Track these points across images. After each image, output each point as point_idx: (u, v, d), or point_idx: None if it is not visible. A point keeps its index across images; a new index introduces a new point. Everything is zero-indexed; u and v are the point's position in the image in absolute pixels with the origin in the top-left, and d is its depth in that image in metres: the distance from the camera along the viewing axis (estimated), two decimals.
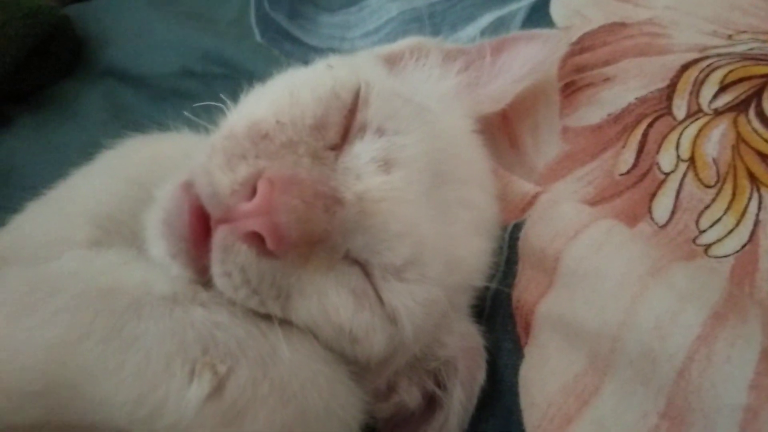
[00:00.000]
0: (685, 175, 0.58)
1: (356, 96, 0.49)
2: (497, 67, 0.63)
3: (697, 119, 0.61)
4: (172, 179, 0.50)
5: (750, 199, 0.53)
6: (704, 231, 0.54)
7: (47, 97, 0.94)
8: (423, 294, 0.48)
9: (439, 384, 0.54)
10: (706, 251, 0.53)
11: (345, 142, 0.47)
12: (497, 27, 0.78)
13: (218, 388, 0.42)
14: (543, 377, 0.51)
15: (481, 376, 0.53)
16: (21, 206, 0.79)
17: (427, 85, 0.58)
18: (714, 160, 0.58)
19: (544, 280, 0.55)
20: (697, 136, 0.60)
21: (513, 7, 0.80)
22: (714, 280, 0.49)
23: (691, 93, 0.63)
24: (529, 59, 0.63)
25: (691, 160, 0.59)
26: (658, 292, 0.48)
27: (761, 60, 0.62)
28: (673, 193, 0.58)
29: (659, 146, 0.61)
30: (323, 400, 0.46)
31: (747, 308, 0.46)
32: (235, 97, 0.87)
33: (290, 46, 0.94)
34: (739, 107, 0.60)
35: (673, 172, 0.59)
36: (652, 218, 0.57)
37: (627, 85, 0.65)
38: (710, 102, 0.62)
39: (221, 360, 0.43)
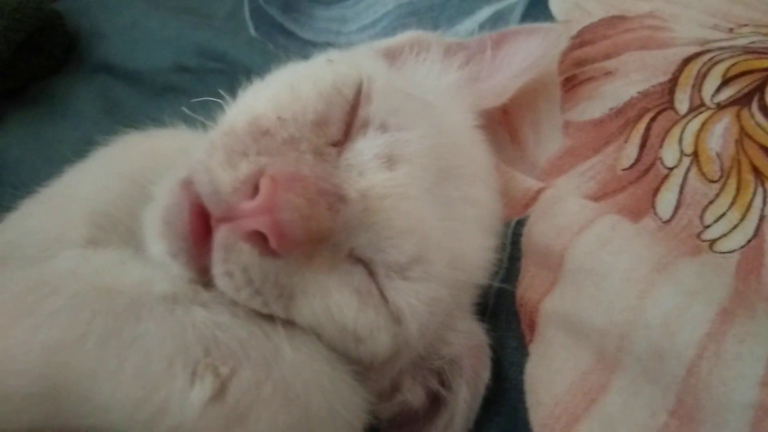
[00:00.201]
0: (688, 169, 0.58)
1: (358, 91, 0.48)
2: (498, 61, 0.62)
3: (699, 113, 0.61)
4: (170, 177, 0.48)
5: (754, 193, 0.53)
6: (709, 226, 0.54)
7: (38, 93, 0.92)
8: (428, 292, 0.47)
9: (443, 383, 0.53)
10: (711, 246, 0.52)
11: (347, 139, 0.47)
12: (496, 21, 0.77)
13: (221, 390, 0.42)
14: (549, 375, 0.51)
15: (485, 375, 0.53)
16: (13, 204, 0.78)
17: (428, 80, 0.57)
18: (717, 154, 0.57)
19: (548, 277, 0.54)
20: (700, 130, 0.60)
21: (511, 0, 0.79)
22: (720, 276, 0.49)
23: (693, 87, 0.63)
24: (529, 53, 0.63)
25: (695, 154, 0.58)
26: (665, 288, 0.48)
27: (763, 53, 0.61)
28: (676, 188, 0.57)
29: (662, 141, 0.60)
30: (327, 400, 0.45)
31: (755, 304, 0.46)
32: (231, 92, 0.87)
33: (285, 40, 0.93)
34: (741, 101, 0.60)
35: (676, 166, 0.58)
36: (655, 213, 0.57)
37: (628, 79, 0.65)
38: (713, 96, 0.61)
39: (223, 361, 0.42)
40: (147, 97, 0.89)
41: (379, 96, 0.48)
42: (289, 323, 0.45)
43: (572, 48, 0.70)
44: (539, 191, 0.59)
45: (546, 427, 0.49)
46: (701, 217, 0.55)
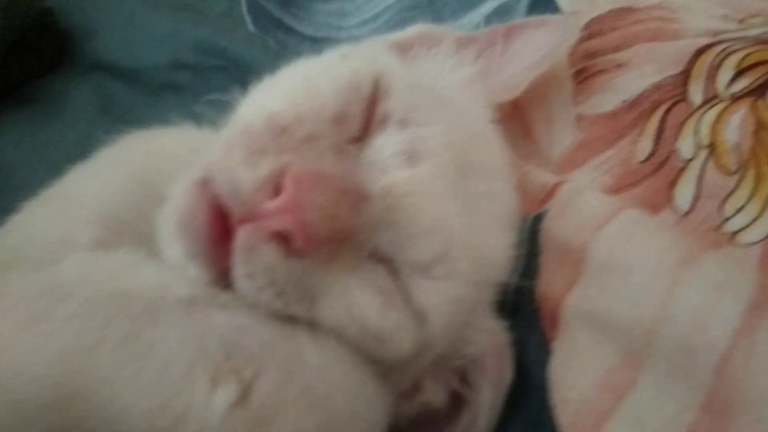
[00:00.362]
0: (705, 161, 0.57)
1: (376, 86, 0.46)
2: (508, 54, 0.61)
3: (714, 105, 0.60)
4: (184, 176, 0.47)
5: None
6: (729, 218, 0.53)
7: (32, 93, 0.90)
8: (451, 291, 0.46)
9: (465, 382, 0.52)
10: (732, 239, 0.52)
11: (367, 135, 0.45)
12: (501, 13, 0.76)
13: (244, 395, 0.40)
14: (574, 373, 0.50)
15: (508, 373, 0.52)
16: (11, 206, 0.76)
17: (441, 74, 0.56)
18: (735, 146, 0.56)
19: (569, 273, 0.53)
20: (716, 121, 0.59)
21: None
22: (743, 269, 0.48)
23: (707, 78, 0.62)
24: (541, 46, 0.62)
25: (712, 146, 0.58)
26: (693, 283, 0.47)
27: None
28: (694, 181, 0.57)
29: (677, 133, 0.60)
30: (351, 402, 0.44)
31: None
32: (231, 88, 0.85)
33: (284, 35, 0.91)
34: (756, 92, 0.59)
35: (693, 159, 0.58)
36: (674, 206, 0.56)
37: (641, 71, 0.64)
38: (727, 87, 0.61)
39: (246, 365, 0.41)
40: (144, 95, 0.87)
41: (398, 91, 0.47)
42: (310, 325, 0.43)
43: (581, 40, 0.69)
44: (556, 186, 0.58)
45: (573, 425, 0.48)
46: (721, 210, 0.54)
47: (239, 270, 0.41)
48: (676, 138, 0.60)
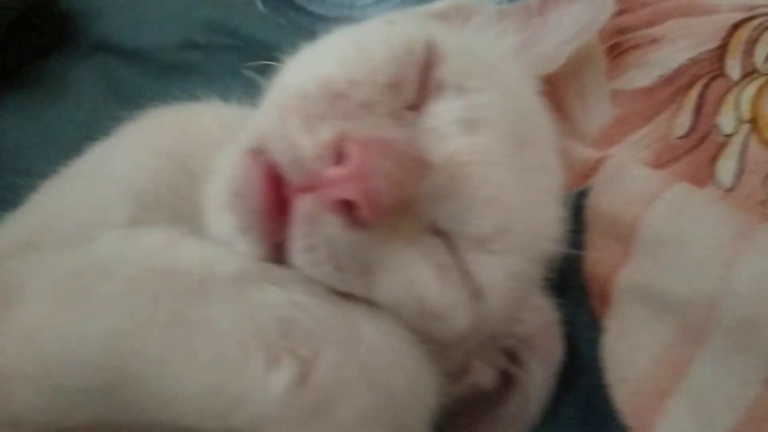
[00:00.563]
0: (747, 136, 0.56)
1: (429, 51, 0.44)
2: (544, 27, 0.60)
3: (753, 79, 0.59)
4: (231, 147, 0.45)
5: None
6: None
7: (32, 74, 0.86)
8: (510, 266, 0.44)
9: (514, 362, 0.50)
10: None
11: (422, 102, 0.43)
12: None
13: (303, 375, 0.38)
14: (630, 351, 0.49)
15: (559, 353, 0.50)
16: (16, 190, 0.73)
17: (485, 45, 0.54)
18: None
19: (619, 249, 0.52)
20: (757, 96, 0.58)
21: None
22: None
23: (744, 53, 0.61)
24: (576, 20, 0.60)
25: (753, 121, 0.57)
26: (752, 255, 0.46)
27: None
28: (736, 156, 0.56)
29: (717, 108, 0.59)
30: (408, 383, 0.42)
31: None
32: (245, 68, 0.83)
33: (295, 15, 0.89)
34: None
35: (734, 134, 0.57)
36: (716, 182, 0.55)
37: (676, 46, 0.63)
38: (765, 61, 0.60)
39: (303, 343, 0.39)
40: (152, 76, 0.84)
41: (451, 56, 0.45)
42: (365, 301, 0.41)
43: (611, 16, 0.67)
44: (600, 161, 0.57)
45: (632, 403, 0.47)
46: (765, 184, 0.53)
47: (297, 243, 0.39)
48: (715, 113, 0.59)
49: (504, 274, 0.44)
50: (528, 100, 0.51)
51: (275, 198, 0.39)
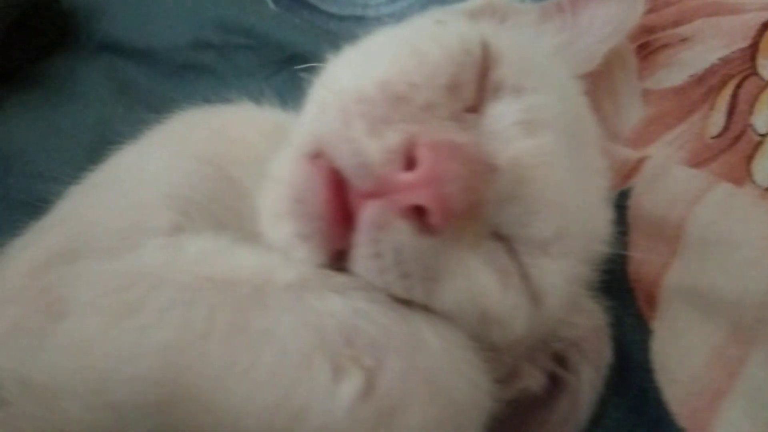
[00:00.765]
0: None
1: (486, 52, 0.43)
2: (579, 27, 0.59)
3: None
4: (283, 151, 0.43)
5: None
6: None
7: (36, 75, 0.84)
8: (569, 270, 0.44)
9: (563, 366, 0.50)
10: None
11: (481, 103, 0.42)
12: None
13: (369, 385, 0.37)
14: (681, 352, 0.48)
15: (608, 355, 0.50)
16: (26, 195, 0.70)
17: (531, 45, 0.53)
18: None
19: (665, 249, 0.52)
20: None
21: None
22: None
23: None
24: (609, 19, 0.60)
25: None
26: None
27: None
28: None
29: (751, 107, 0.59)
30: (469, 390, 0.41)
31: None
32: (261, 68, 0.81)
33: (308, 14, 0.87)
34: None
35: None
36: (753, 181, 0.55)
37: (706, 45, 0.63)
38: None
39: (367, 353, 0.38)
40: (163, 76, 0.82)
41: (506, 57, 0.44)
42: (424, 308, 0.40)
43: None
44: (640, 161, 0.56)
45: (686, 405, 0.46)
46: None
47: (363, 249, 0.38)
48: (750, 112, 0.58)
49: (562, 277, 0.43)
50: (577, 101, 0.51)
51: (340, 203, 0.38)
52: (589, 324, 0.50)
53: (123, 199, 0.47)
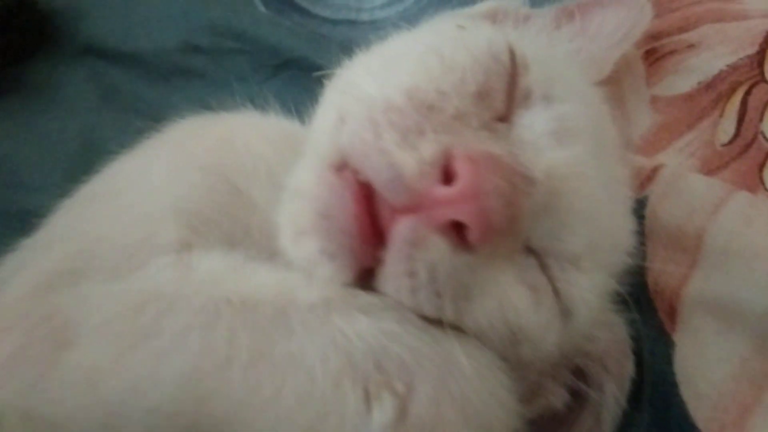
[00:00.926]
0: None
1: (513, 58, 0.42)
2: (588, 33, 0.58)
3: None
4: (303, 163, 0.41)
5: None
6: None
7: (14, 80, 0.80)
8: (599, 283, 0.42)
9: (585, 381, 0.48)
10: None
11: (511, 112, 0.41)
12: None
13: (402, 412, 0.35)
14: (706, 365, 0.47)
15: (630, 369, 0.49)
16: (8, 204, 0.66)
17: (551, 51, 0.52)
18: None
19: (684, 260, 0.51)
20: None
21: None
22: None
23: None
24: (619, 25, 0.59)
25: None
26: None
27: None
28: None
29: (761, 114, 0.58)
30: (501, 412, 0.39)
31: None
32: (255, 72, 0.78)
33: (300, 18, 0.85)
34: None
35: None
36: (767, 189, 0.54)
37: (714, 52, 0.63)
38: None
39: (398, 376, 0.36)
40: (150, 81, 0.79)
41: (533, 64, 0.43)
42: (452, 326, 0.39)
43: None
44: (655, 169, 0.55)
45: (714, 420, 0.46)
46: None
47: (394, 267, 0.36)
48: (760, 120, 0.58)
49: (592, 291, 0.42)
50: (600, 109, 0.50)
51: (368, 219, 0.36)
52: (612, 337, 0.49)
53: (126, 214, 0.45)
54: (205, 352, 0.36)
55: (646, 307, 0.51)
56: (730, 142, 0.58)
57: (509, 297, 0.39)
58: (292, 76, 0.76)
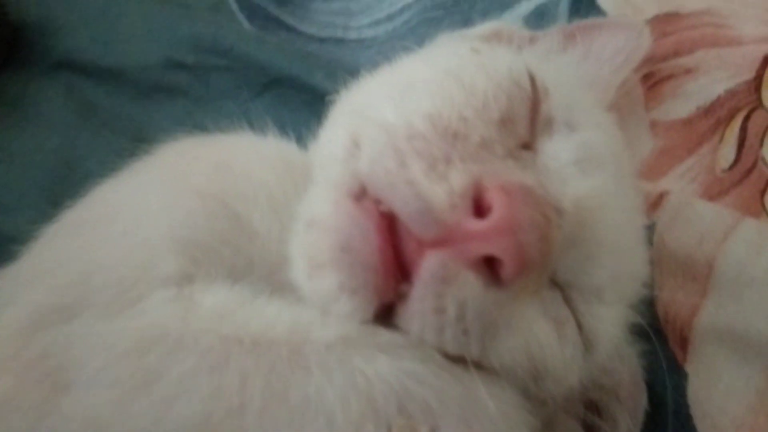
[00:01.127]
0: None
1: (534, 84, 0.40)
2: (591, 56, 0.57)
3: None
4: (316, 190, 0.39)
5: None
6: None
7: None
8: (618, 316, 0.41)
9: (598, 414, 0.47)
10: None
11: (534, 140, 0.39)
12: (539, 15, 0.72)
13: None
14: (721, 396, 0.47)
15: (644, 401, 0.48)
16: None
17: (564, 75, 0.51)
18: None
19: (694, 289, 0.50)
20: None
21: None
22: None
23: None
24: (620, 49, 0.58)
25: None
26: None
27: None
28: None
29: (761, 140, 0.58)
30: None
31: None
32: (240, 91, 0.76)
33: (286, 34, 0.83)
34: None
35: None
36: None
37: (712, 77, 0.63)
38: None
39: (423, 420, 0.34)
40: (130, 98, 0.76)
41: (553, 89, 0.41)
42: (476, 364, 0.37)
43: None
44: (661, 196, 0.55)
45: None
46: None
47: (421, 304, 0.34)
48: (760, 145, 0.58)
49: (614, 324, 0.41)
50: (616, 135, 0.49)
51: (392, 252, 0.34)
52: (625, 369, 0.47)
53: (119, 243, 0.41)
54: (215, 397, 0.33)
55: (657, 336, 0.50)
56: (731, 168, 0.58)
57: (535, 333, 0.37)
58: (280, 95, 0.74)
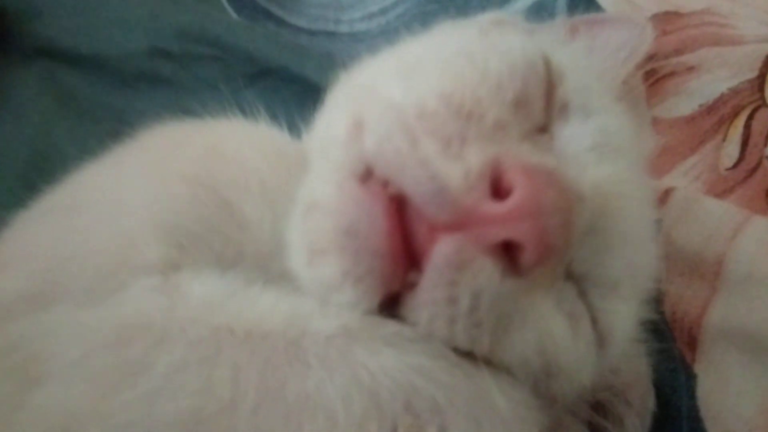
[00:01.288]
0: None
1: (549, 66, 0.38)
2: (595, 50, 0.56)
3: None
4: (317, 172, 0.36)
5: None
6: None
7: None
8: (632, 312, 0.39)
9: (605, 416, 0.45)
10: None
11: (550, 123, 0.37)
12: (537, 11, 0.71)
13: None
14: (732, 398, 0.45)
15: (651, 403, 0.46)
16: None
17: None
18: None
19: (703, 287, 0.48)
20: None
21: None
22: None
23: None
24: (622, 45, 0.57)
25: None
26: None
27: None
28: None
29: (766, 139, 0.57)
30: None
31: None
32: (228, 80, 0.73)
33: (275, 27, 0.80)
34: None
35: None
36: None
37: (714, 75, 0.62)
38: None
39: (430, 418, 0.32)
40: (112, 86, 0.73)
41: (568, 73, 0.39)
42: (485, 360, 0.34)
43: None
44: (667, 192, 0.53)
45: None
46: None
47: (432, 293, 0.31)
48: (765, 144, 0.57)
49: (629, 320, 0.39)
50: (630, 123, 0.47)
51: (401, 237, 0.32)
52: (633, 369, 0.45)
53: (99, 229, 0.38)
54: (204, 393, 0.30)
55: (665, 337, 0.48)
56: (735, 166, 0.56)
57: (549, 327, 0.35)
58: (268, 86, 0.71)
